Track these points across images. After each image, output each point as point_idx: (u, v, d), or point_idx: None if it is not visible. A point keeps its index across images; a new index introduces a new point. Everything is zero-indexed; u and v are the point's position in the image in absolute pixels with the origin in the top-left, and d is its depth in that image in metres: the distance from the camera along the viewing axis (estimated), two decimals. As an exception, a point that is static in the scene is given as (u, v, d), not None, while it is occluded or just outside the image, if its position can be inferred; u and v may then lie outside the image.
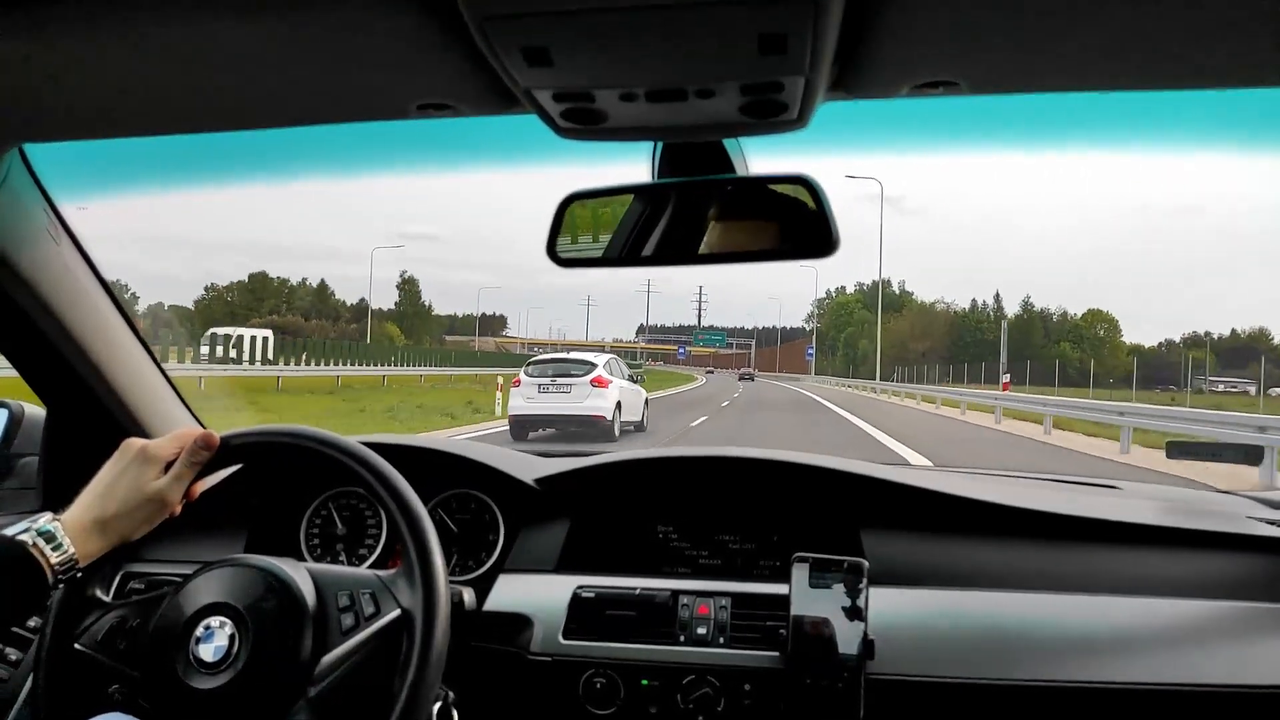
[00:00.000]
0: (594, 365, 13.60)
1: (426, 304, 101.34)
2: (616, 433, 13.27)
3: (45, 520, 1.01)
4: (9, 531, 1.00)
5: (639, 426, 14.47)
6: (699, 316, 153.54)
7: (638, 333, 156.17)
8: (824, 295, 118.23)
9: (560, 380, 13.45)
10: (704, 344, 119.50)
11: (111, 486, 1.06)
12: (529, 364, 14.24)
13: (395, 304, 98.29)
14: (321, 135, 1.04)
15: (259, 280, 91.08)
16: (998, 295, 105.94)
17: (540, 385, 13.43)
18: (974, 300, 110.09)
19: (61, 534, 1.01)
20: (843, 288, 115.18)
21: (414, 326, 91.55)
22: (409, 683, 1.02)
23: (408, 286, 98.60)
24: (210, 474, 1.14)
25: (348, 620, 1.06)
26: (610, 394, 13.32)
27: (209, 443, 1.11)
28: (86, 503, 1.05)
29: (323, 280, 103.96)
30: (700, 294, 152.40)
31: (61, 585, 1.03)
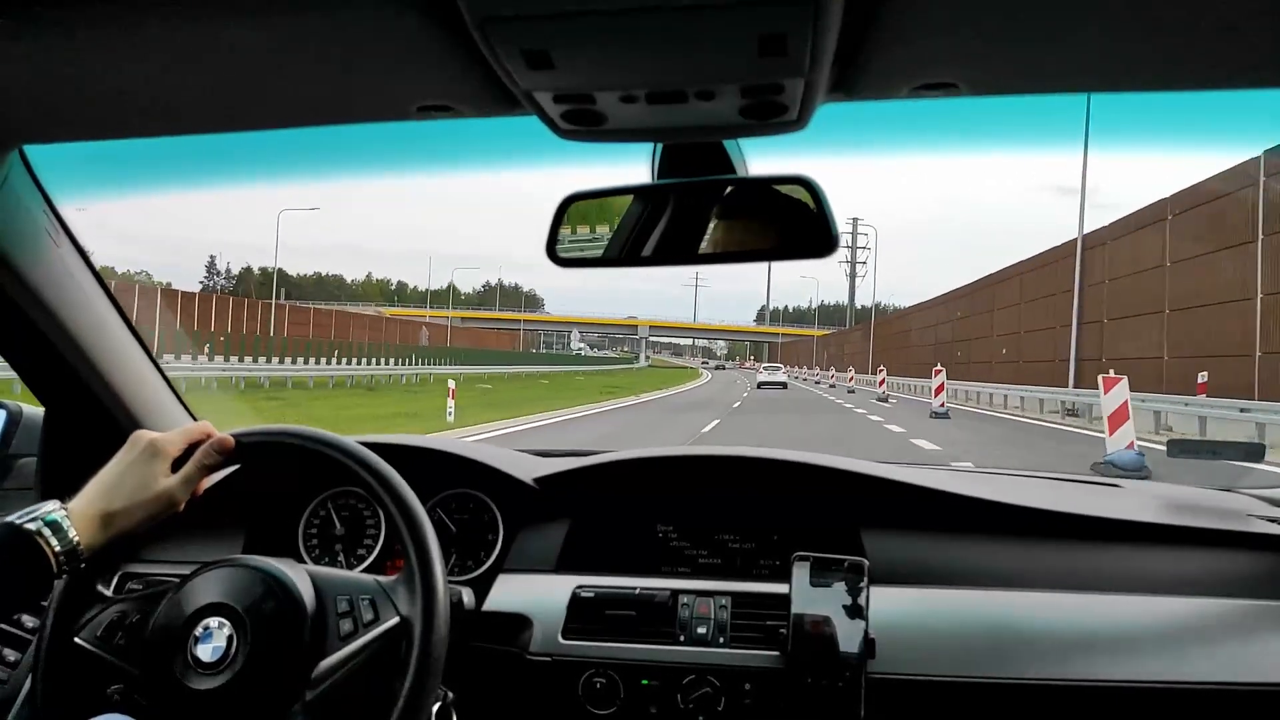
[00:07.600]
0: (781, 367, 52.91)
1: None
2: (788, 388, 41.00)
3: (52, 509, 1.01)
4: (15, 519, 1.00)
5: (785, 386, 40.45)
6: (851, 279, 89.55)
7: (757, 317, 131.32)
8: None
9: (772, 369, 47.74)
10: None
11: (120, 479, 1.06)
12: (763, 366, 53.89)
13: None
14: (321, 136, 1.04)
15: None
16: None
17: (767, 372, 45.28)
18: None
19: (68, 524, 1.01)
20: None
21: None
22: (407, 689, 1.02)
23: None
24: (215, 472, 1.14)
25: (346, 626, 1.06)
26: (785, 377, 47.33)
27: (224, 447, 1.11)
28: (94, 494, 1.05)
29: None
30: (854, 225, 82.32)
31: (65, 575, 1.03)
